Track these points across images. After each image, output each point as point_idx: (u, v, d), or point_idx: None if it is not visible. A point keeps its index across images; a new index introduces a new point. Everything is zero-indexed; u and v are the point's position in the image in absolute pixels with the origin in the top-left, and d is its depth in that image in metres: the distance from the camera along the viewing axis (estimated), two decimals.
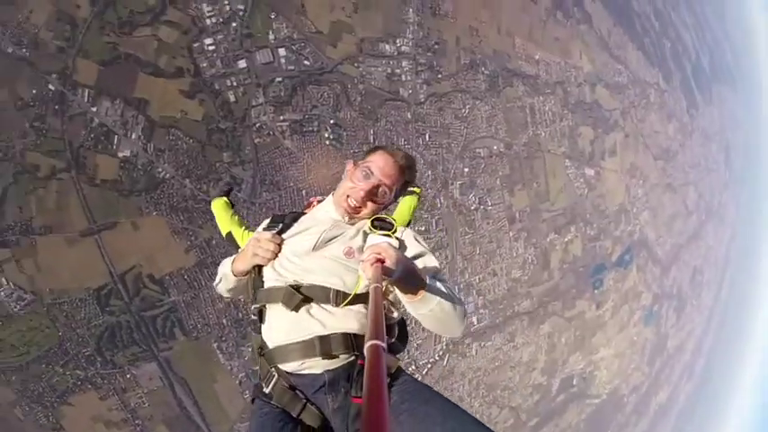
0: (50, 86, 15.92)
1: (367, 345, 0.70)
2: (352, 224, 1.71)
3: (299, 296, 1.49)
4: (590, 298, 27.00)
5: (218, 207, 2.09)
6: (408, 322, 1.78)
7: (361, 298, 1.45)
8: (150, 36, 16.58)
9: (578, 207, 25.69)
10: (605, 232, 27.61)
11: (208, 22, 16.75)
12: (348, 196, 1.69)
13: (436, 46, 17.72)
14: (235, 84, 16.54)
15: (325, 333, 1.45)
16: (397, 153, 1.75)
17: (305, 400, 1.46)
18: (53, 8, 16.51)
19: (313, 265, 1.56)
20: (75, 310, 15.62)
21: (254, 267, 1.67)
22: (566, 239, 24.48)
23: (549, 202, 23.46)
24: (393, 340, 1.63)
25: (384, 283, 1.22)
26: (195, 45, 16.44)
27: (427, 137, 17.50)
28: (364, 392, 0.56)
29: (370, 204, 1.69)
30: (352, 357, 1.45)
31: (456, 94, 18.33)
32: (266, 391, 1.51)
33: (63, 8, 16.51)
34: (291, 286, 1.52)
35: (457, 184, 18.66)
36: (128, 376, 13.70)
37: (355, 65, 16.04)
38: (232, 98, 16.45)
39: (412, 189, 1.93)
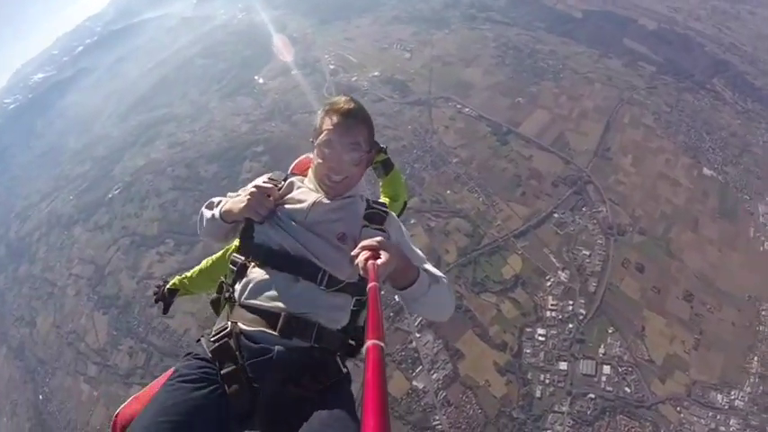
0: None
1: (368, 344, 0.69)
2: (343, 199, 1.60)
3: (288, 265, 1.44)
4: None
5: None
6: None
7: (348, 286, 1.45)
8: (493, 304, 17.92)
9: None
10: None
11: (548, 313, 17.32)
12: (327, 175, 1.58)
13: None
14: (547, 381, 16.18)
15: (296, 314, 1.38)
16: (339, 106, 1.58)
17: (240, 364, 1.33)
18: None
19: (306, 239, 1.49)
20: None
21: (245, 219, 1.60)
22: None
23: None
24: (354, 343, 1.52)
25: (380, 280, 1.15)
26: (528, 329, 17.02)
27: None
28: (365, 392, 0.57)
29: (353, 169, 1.60)
30: (307, 346, 1.37)
31: None
32: (212, 339, 1.41)
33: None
34: (282, 253, 1.47)
35: None
36: None
37: (677, 409, 14.49)
38: (538, 393, 16.08)
39: (379, 156, 2.15)
